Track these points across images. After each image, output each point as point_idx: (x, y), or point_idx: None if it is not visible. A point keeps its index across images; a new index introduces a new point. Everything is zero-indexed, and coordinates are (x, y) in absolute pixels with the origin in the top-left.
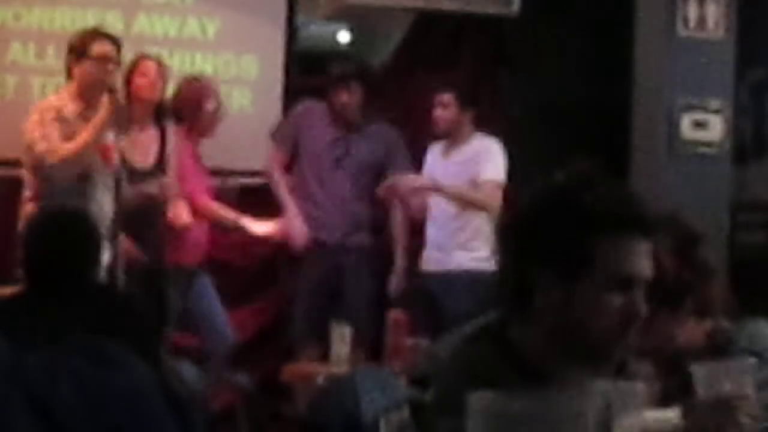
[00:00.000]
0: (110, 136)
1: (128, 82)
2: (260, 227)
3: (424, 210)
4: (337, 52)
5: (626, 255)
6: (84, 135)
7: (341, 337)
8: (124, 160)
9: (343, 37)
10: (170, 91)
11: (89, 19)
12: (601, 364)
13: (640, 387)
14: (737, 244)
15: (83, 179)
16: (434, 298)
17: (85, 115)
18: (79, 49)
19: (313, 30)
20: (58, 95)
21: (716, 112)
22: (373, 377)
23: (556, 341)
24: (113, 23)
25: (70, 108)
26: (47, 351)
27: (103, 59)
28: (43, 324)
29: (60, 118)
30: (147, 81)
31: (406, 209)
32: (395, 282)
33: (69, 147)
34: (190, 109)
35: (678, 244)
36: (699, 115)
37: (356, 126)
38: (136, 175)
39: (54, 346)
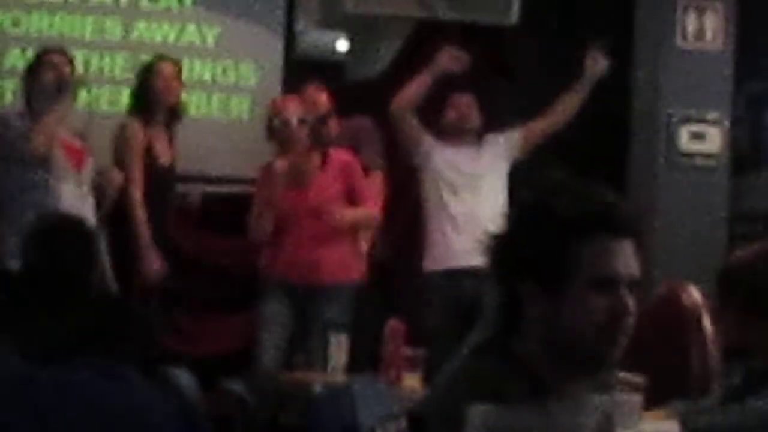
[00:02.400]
0: (77, 141)
1: (144, 83)
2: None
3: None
4: (336, 60)
5: (604, 255)
6: (53, 110)
7: (338, 346)
8: (151, 156)
9: (342, 45)
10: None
11: (87, 25)
12: (596, 370)
13: (637, 399)
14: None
15: (44, 168)
16: (468, 299)
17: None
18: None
19: (312, 38)
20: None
21: (714, 123)
22: (371, 387)
23: (550, 352)
24: (112, 29)
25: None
26: (58, 367)
27: (54, 64)
28: (49, 334)
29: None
30: (164, 83)
31: None
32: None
33: (41, 123)
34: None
35: None
36: (697, 127)
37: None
38: (160, 170)
39: (65, 363)
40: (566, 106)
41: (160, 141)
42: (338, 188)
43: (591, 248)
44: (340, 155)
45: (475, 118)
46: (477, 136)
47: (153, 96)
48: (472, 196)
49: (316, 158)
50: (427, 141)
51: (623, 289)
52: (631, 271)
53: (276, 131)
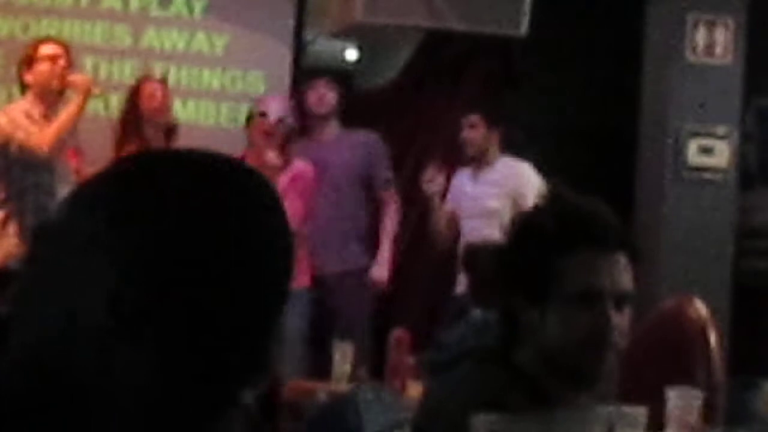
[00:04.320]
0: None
1: (134, 103)
2: None
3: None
4: (345, 70)
5: (587, 270)
6: (62, 118)
7: (343, 355)
8: None
9: (351, 54)
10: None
11: (97, 32)
12: (582, 383)
13: (642, 411)
14: (742, 271)
15: (49, 171)
16: None
17: (49, 117)
18: (28, 58)
19: (321, 47)
20: (18, 103)
21: (723, 138)
22: (375, 396)
23: (544, 363)
24: (121, 36)
25: (35, 110)
26: None
27: (52, 58)
28: None
29: (29, 117)
30: (156, 102)
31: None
32: (376, 271)
33: (52, 129)
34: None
35: None
36: (705, 141)
37: (328, 131)
38: None
39: None
40: None
41: None
42: (290, 199)
43: (573, 263)
44: (300, 166)
45: (473, 142)
46: (493, 155)
47: (147, 117)
48: (484, 220)
49: (278, 163)
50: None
51: (607, 304)
52: (618, 286)
53: (253, 123)
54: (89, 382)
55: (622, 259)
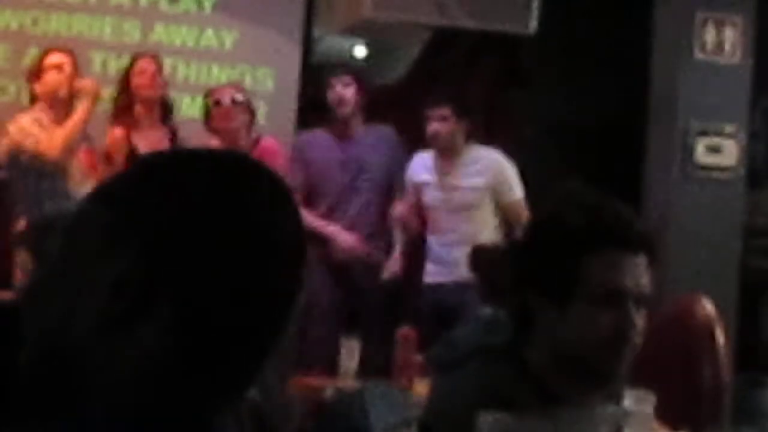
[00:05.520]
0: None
1: (127, 83)
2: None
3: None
4: (353, 67)
5: (611, 270)
6: (70, 122)
7: (350, 352)
8: (136, 157)
9: (360, 51)
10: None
11: (106, 27)
12: (601, 382)
13: (649, 411)
14: (749, 269)
15: (62, 175)
16: (446, 309)
17: (60, 123)
18: (35, 69)
19: (330, 44)
20: (28, 113)
21: (731, 136)
22: (382, 393)
23: (558, 362)
24: (130, 32)
25: (45, 118)
26: None
27: (58, 66)
28: None
29: (38, 124)
30: (145, 78)
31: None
32: (393, 265)
33: (60, 133)
34: None
35: None
36: (714, 140)
37: (355, 128)
38: None
39: None
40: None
41: (150, 141)
42: None
43: (598, 262)
44: (267, 142)
45: (443, 134)
46: (461, 146)
47: (137, 94)
48: (457, 210)
49: (246, 143)
50: (420, 179)
51: (630, 304)
52: (639, 286)
53: (209, 114)
54: (90, 362)
55: (644, 260)
